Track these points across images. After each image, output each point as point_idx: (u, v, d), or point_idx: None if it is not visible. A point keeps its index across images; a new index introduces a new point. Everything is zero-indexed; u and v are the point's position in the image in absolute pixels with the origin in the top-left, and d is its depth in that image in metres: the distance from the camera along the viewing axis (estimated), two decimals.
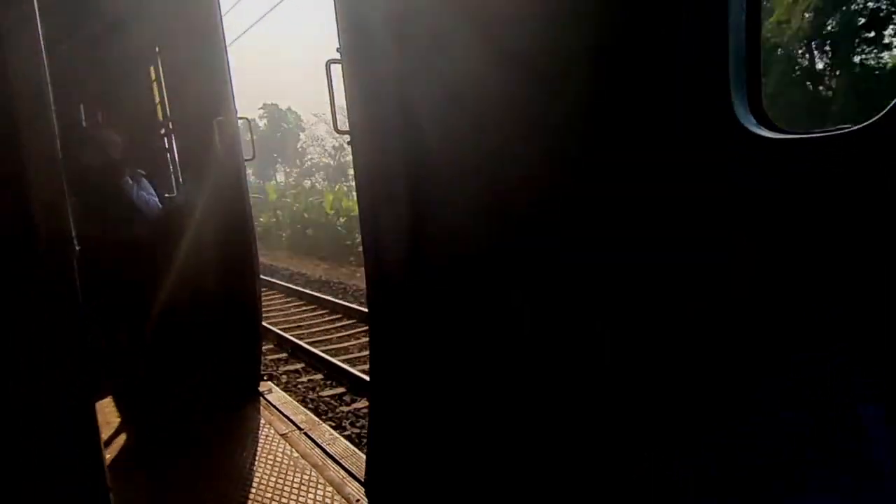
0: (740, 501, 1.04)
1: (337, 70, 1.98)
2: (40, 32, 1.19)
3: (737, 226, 1.02)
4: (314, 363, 5.59)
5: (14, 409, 1.09)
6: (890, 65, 13.48)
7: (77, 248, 1.11)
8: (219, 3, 3.01)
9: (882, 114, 0.82)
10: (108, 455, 2.70)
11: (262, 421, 3.01)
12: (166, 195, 4.25)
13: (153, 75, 4.18)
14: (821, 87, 14.52)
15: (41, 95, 1.13)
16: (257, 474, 2.44)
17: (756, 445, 1.00)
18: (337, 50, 1.96)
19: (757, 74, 1.03)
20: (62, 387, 1.13)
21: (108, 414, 3.21)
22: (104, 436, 2.92)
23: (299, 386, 5.15)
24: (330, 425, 3.29)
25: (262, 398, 3.30)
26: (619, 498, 1.30)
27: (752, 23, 1.00)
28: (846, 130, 0.88)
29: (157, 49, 4.02)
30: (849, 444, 0.88)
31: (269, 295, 9.09)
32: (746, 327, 1.02)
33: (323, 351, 5.82)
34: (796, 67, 14.43)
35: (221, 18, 3.01)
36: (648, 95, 1.12)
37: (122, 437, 2.93)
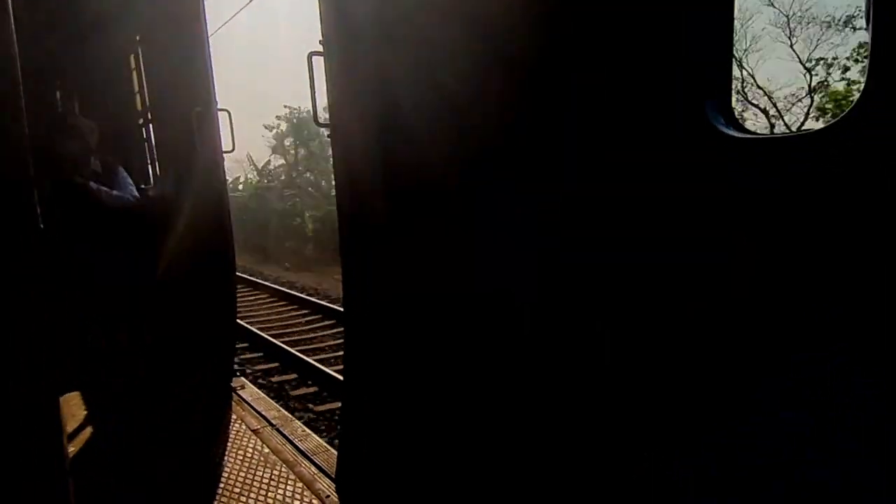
0: (740, 501, 1.04)
1: (319, 62, 1.97)
2: (12, 18, 1.15)
3: (709, 224, 1.04)
4: None
5: None
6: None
7: (43, 241, 1.08)
8: None
9: (845, 113, 0.84)
10: (73, 448, 2.64)
11: (234, 416, 2.97)
12: (142, 186, 4.18)
13: (133, 64, 4.11)
14: None
15: (10, 82, 1.10)
16: (227, 470, 2.40)
17: (756, 445, 1.01)
18: (319, 42, 1.96)
19: (728, 75, 1.05)
20: (25, 379, 1.10)
21: (73, 407, 3.13)
22: (69, 428, 2.85)
23: None
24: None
25: (234, 394, 3.26)
26: (603, 496, 1.30)
27: (724, 23, 1.02)
28: (813, 131, 0.90)
29: (137, 38, 3.96)
30: (849, 444, 0.89)
31: None
32: (729, 328, 1.04)
33: None
34: None
35: (204, 8, 2.97)
36: (620, 94, 1.13)
37: (88, 431, 2.86)
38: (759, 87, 14.39)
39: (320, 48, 1.95)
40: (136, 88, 4.15)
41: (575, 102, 1.22)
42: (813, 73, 13.62)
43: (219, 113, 3.07)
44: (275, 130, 24.10)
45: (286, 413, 3.01)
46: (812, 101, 13.23)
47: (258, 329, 6.95)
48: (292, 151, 23.77)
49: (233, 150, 3.11)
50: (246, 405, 3.10)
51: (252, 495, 2.21)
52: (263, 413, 2.96)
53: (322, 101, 1.99)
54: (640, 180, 1.13)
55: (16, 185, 1.08)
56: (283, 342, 6.36)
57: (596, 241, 1.23)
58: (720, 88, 1.04)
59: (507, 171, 1.45)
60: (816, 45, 14.06)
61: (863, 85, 0.82)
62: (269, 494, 2.21)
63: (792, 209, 0.92)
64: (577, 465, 1.39)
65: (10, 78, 1.10)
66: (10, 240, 1.06)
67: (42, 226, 1.06)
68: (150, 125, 4.11)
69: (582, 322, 1.31)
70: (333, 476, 2.30)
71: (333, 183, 2.10)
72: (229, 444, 2.65)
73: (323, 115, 2.02)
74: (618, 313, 1.21)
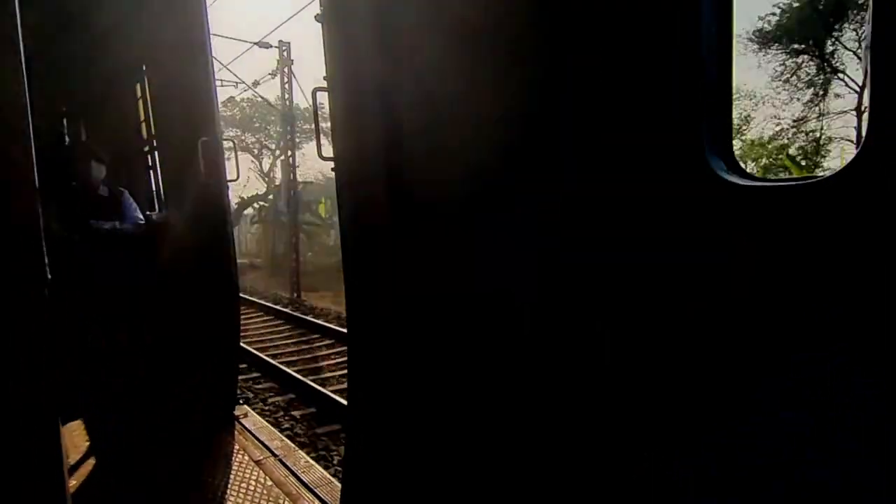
0: (740, 501, 1.04)
1: (323, 97, 1.99)
2: (21, 53, 1.18)
3: (710, 271, 1.04)
4: None
5: None
6: None
7: (49, 275, 1.09)
8: (207, 22, 3.02)
9: (851, 160, 0.85)
10: (74, 481, 2.62)
11: (237, 446, 2.94)
12: (147, 213, 4.21)
13: (139, 93, 4.16)
14: None
15: (19, 111, 1.12)
16: (228, 503, 2.37)
17: (756, 445, 1.00)
18: (324, 78, 1.98)
19: (728, 121, 1.06)
20: (26, 404, 1.10)
21: (76, 437, 3.11)
22: (72, 460, 2.83)
23: None
24: None
25: (237, 422, 3.23)
26: None
27: (724, 70, 1.03)
28: (817, 179, 0.91)
29: (143, 67, 4.02)
30: (849, 445, 0.89)
31: None
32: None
33: None
34: None
35: (209, 37, 3.02)
36: (621, 137, 1.14)
37: (91, 462, 2.84)
38: None
39: (325, 84, 1.98)
40: (142, 117, 4.21)
41: (575, 148, 1.23)
42: None
43: (223, 142, 3.10)
44: None
45: (290, 443, 2.98)
46: None
47: None
48: None
49: (237, 178, 3.14)
50: (249, 434, 3.07)
51: None
52: (266, 443, 2.93)
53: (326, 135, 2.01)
54: (641, 227, 1.14)
55: (24, 219, 1.09)
56: None
57: (605, 245, 1.23)
58: (721, 134, 1.04)
59: (507, 182, 1.45)
60: None
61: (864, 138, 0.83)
62: None
63: (794, 256, 0.93)
64: (585, 474, 1.38)
65: (21, 114, 1.12)
66: (17, 275, 1.06)
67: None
68: (155, 153, 4.16)
69: (582, 323, 1.31)
70: None
71: (338, 214, 2.10)
72: (231, 475, 2.62)
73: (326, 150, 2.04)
74: (617, 317, 1.21)
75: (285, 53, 12.66)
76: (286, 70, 12.67)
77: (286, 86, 12.86)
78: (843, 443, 0.90)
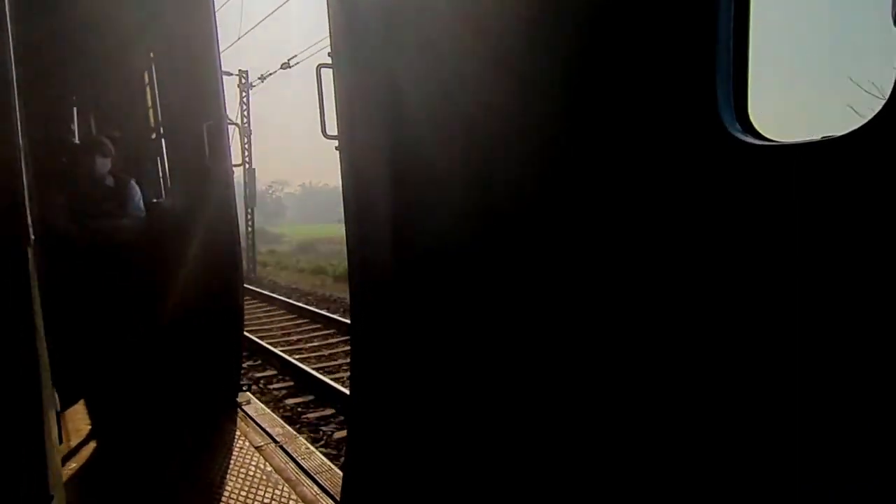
0: (740, 501, 1.01)
1: (327, 74, 1.96)
2: (9, 33, 1.14)
3: (725, 234, 1.00)
4: None
5: None
6: None
7: (33, 254, 1.05)
8: (213, 8, 3.01)
9: (868, 120, 0.80)
10: (74, 464, 2.60)
11: (238, 433, 2.92)
12: (154, 200, 4.21)
13: (146, 80, 4.17)
14: None
15: (6, 101, 1.07)
16: (227, 488, 2.35)
17: (756, 445, 0.97)
18: (328, 54, 1.95)
19: (744, 82, 1.02)
20: (9, 391, 1.06)
21: (77, 421, 3.11)
22: (72, 443, 2.82)
23: None
24: None
25: (239, 409, 3.21)
26: None
27: (740, 29, 0.99)
28: (832, 137, 0.86)
29: (151, 55, 4.02)
30: (849, 445, 0.86)
31: None
32: (733, 336, 0.99)
33: None
34: None
35: (215, 22, 3.00)
36: (635, 101, 1.10)
37: (91, 446, 2.83)
38: None
39: (329, 60, 1.95)
40: (150, 104, 4.21)
41: (591, 112, 1.18)
42: None
43: (228, 127, 3.08)
44: None
45: (291, 430, 2.95)
46: None
47: None
48: None
49: (242, 163, 3.12)
50: (251, 421, 3.05)
51: None
52: (268, 429, 2.91)
53: (329, 113, 1.98)
54: (650, 188, 1.10)
55: (11, 207, 1.05)
56: None
57: (613, 247, 1.19)
58: (736, 94, 1.00)
59: (521, 177, 1.42)
60: None
61: (889, 92, 0.78)
62: None
63: (810, 218, 0.88)
64: (566, 485, 1.34)
65: (7, 101, 1.08)
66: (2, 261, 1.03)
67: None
68: (163, 139, 4.16)
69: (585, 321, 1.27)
70: (337, 497, 2.24)
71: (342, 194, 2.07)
72: (231, 461, 2.60)
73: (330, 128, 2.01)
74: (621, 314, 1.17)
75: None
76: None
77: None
78: (843, 443, 0.86)
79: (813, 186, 0.87)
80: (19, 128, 1.04)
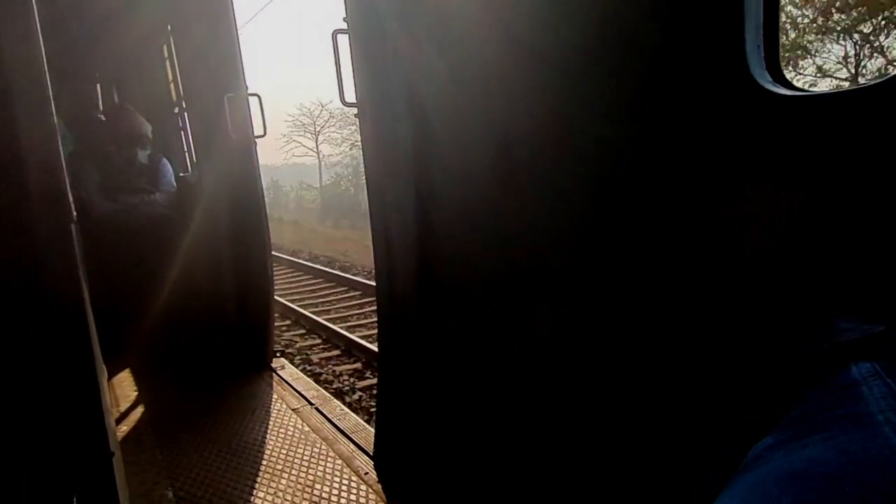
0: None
1: (344, 40, 1.94)
2: (36, 17, 1.15)
3: (755, 184, 0.98)
4: None
5: (16, 386, 1.09)
6: None
7: (75, 233, 1.10)
8: None
9: None
10: (125, 427, 2.77)
11: (274, 396, 3.05)
12: (181, 174, 4.29)
13: (166, 54, 4.18)
14: None
15: (39, 82, 1.10)
16: (268, 447, 2.47)
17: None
18: (343, 20, 1.93)
19: (774, 32, 0.98)
20: (65, 365, 1.13)
21: (125, 388, 3.28)
22: (121, 408, 2.99)
23: None
24: None
25: (274, 374, 3.34)
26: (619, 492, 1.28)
27: None
28: (862, 86, 0.83)
29: (169, 28, 4.02)
30: (873, 432, 0.85)
31: None
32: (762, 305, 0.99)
33: None
34: None
35: None
36: (661, 59, 1.07)
37: (139, 410, 3.00)
38: None
39: (344, 25, 1.93)
40: (171, 78, 4.23)
41: (613, 71, 1.16)
42: None
43: (249, 98, 3.09)
44: None
45: (325, 393, 3.06)
46: None
47: None
48: None
49: (264, 134, 3.14)
50: (286, 385, 3.17)
51: (293, 471, 2.27)
52: (303, 393, 3.03)
53: (347, 80, 1.97)
54: (684, 138, 1.07)
55: (52, 193, 1.09)
56: None
57: (640, 220, 1.17)
58: (766, 46, 0.97)
59: (539, 146, 1.40)
60: None
61: None
62: (310, 470, 2.27)
63: (840, 169, 0.86)
64: (583, 450, 1.37)
65: (42, 91, 1.10)
66: (47, 245, 1.07)
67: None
68: (185, 114, 4.20)
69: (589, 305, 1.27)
70: (371, 453, 2.34)
71: (363, 161, 2.08)
72: (270, 422, 2.73)
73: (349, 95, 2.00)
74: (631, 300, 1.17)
75: None
76: None
77: None
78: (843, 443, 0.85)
79: (847, 138, 0.85)
80: (53, 109, 1.07)
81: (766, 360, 0.96)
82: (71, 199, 1.08)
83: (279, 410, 2.86)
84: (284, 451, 2.42)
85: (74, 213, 1.08)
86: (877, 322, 0.68)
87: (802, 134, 0.89)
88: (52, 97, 1.07)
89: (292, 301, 7.51)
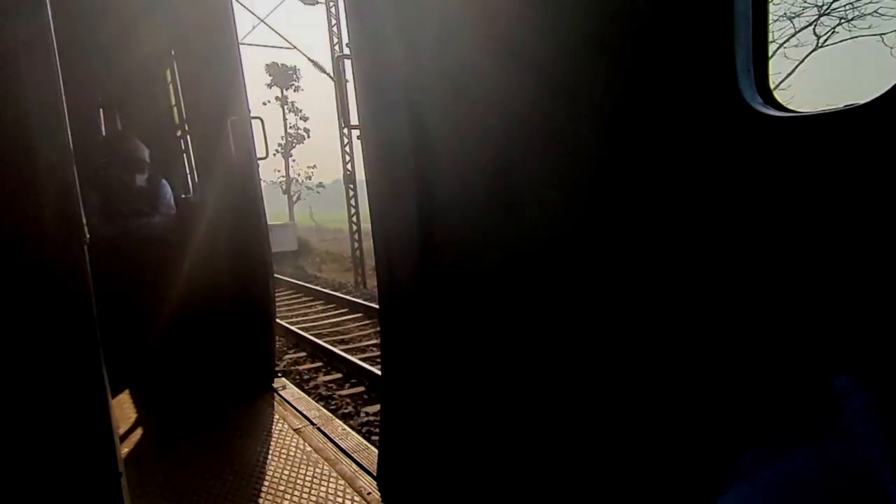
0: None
1: (348, 66, 2.00)
2: (55, 45, 1.19)
3: (746, 207, 1.01)
4: None
5: (28, 404, 1.11)
6: None
7: (87, 254, 1.12)
8: (231, 3, 3.05)
9: (888, 89, 0.80)
10: (125, 448, 2.75)
11: (276, 416, 3.03)
12: (182, 196, 4.33)
13: (169, 78, 4.25)
14: None
15: (56, 107, 1.13)
16: (270, 468, 2.46)
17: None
18: (346, 45, 1.98)
19: (764, 53, 1.02)
20: (76, 383, 1.15)
21: (126, 409, 3.26)
22: (122, 430, 2.98)
23: None
24: None
25: (276, 394, 3.33)
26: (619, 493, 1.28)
27: (759, 1, 0.99)
28: (853, 106, 0.86)
29: (172, 53, 4.09)
30: (850, 445, 0.87)
31: None
32: (750, 322, 1.01)
33: None
34: None
35: (234, 17, 3.05)
36: (653, 78, 1.11)
37: (139, 432, 2.98)
38: None
39: (348, 52, 1.98)
40: (173, 101, 4.30)
41: (609, 90, 1.20)
42: None
43: (252, 121, 3.14)
44: None
45: (327, 412, 3.06)
46: None
47: None
48: None
49: (266, 156, 3.18)
50: (288, 405, 3.16)
51: (296, 493, 2.25)
52: (304, 412, 3.02)
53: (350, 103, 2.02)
54: (673, 161, 1.11)
55: (65, 211, 1.12)
56: None
57: (637, 229, 1.20)
58: (756, 65, 1.00)
59: (539, 161, 1.44)
60: None
61: None
62: (313, 491, 2.26)
63: (834, 190, 0.89)
64: (588, 464, 1.38)
65: (58, 112, 1.14)
66: (59, 263, 1.10)
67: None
68: (188, 136, 4.25)
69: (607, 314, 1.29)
70: (374, 473, 2.33)
71: (365, 182, 2.12)
72: (272, 442, 2.71)
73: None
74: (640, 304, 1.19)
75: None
76: None
77: None
78: (844, 443, 0.87)
79: (838, 158, 0.88)
80: (69, 132, 1.11)
81: (753, 372, 0.97)
82: (84, 220, 1.10)
83: (281, 431, 2.85)
84: (287, 472, 2.41)
85: (87, 235, 1.11)
86: (864, 333, 0.70)
87: (793, 155, 0.92)
88: (67, 121, 1.10)
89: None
